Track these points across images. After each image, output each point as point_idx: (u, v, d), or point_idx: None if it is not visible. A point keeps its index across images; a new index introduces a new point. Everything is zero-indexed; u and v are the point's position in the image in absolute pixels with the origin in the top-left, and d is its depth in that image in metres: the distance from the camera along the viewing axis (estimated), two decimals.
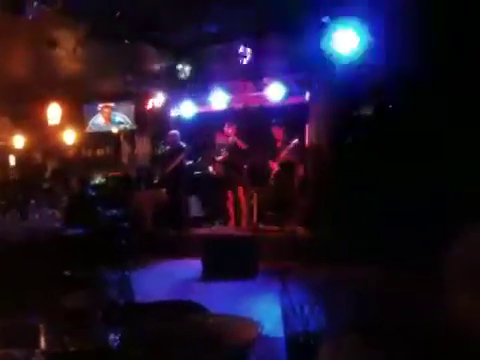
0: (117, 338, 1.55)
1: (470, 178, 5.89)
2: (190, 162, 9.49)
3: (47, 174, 10.66)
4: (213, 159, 9.26)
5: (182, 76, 8.16)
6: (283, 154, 8.49)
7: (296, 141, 8.37)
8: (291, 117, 8.84)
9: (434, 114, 6.65)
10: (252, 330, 1.38)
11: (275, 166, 8.61)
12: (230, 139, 8.88)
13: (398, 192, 6.68)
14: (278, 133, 8.60)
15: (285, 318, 1.11)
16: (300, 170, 8.51)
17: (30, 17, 4.87)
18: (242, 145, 8.75)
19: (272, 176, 8.65)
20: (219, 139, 9.13)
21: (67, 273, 4.74)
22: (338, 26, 6.51)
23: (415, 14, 5.90)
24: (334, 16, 6.49)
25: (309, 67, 7.64)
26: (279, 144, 8.60)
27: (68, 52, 6.26)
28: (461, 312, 1.10)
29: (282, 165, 8.50)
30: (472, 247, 1.16)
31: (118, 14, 5.41)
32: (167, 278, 6.63)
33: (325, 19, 6.56)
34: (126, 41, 6.24)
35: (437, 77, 6.55)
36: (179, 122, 9.84)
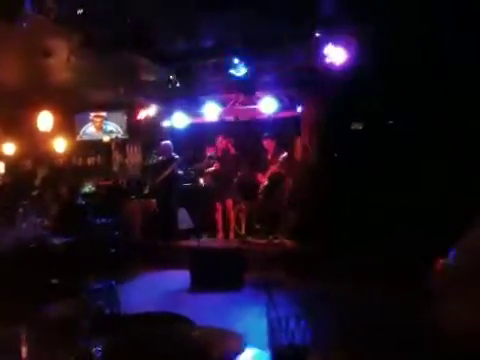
0: (100, 349, 1.56)
1: (460, 192, 5.97)
2: (180, 173, 9.49)
3: (37, 182, 10.59)
4: (203, 171, 9.28)
5: (174, 87, 8.20)
6: (273, 167, 8.52)
7: (285, 155, 8.40)
8: (282, 130, 8.90)
9: (424, 127, 6.76)
10: (236, 343, 1.39)
11: (264, 179, 8.63)
12: (223, 150, 8.90)
13: (387, 206, 6.75)
14: (270, 145, 8.63)
15: (271, 331, 1.13)
16: (289, 183, 8.54)
17: (24, 26, 4.89)
18: (233, 153, 8.79)
19: (261, 189, 8.67)
20: (210, 151, 9.16)
21: (54, 282, 4.72)
22: (329, 41, 6.61)
23: (403, 29, 6.01)
24: (325, 31, 6.59)
25: (300, 81, 7.72)
26: (270, 157, 8.63)
27: (61, 61, 6.27)
28: (446, 326, 1.13)
29: (271, 178, 8.52)
30: (456, 264, 1.19)
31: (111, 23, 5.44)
32: (155, 289, 6.61)
33: (316, 34, 6.66)
34: (120, 52, 6.27)
35: (426, 91, 6.66)
36: (171, 133, 9.86)
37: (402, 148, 6.97)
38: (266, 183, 8.57)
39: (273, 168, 8.50)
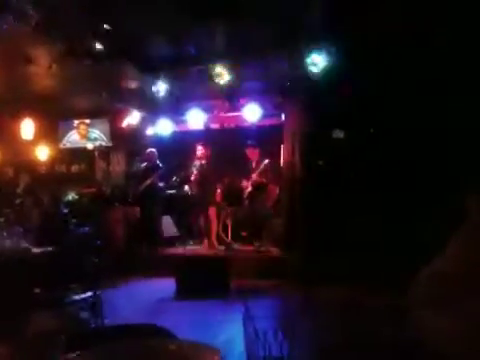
0: None
1: (445, 199, 6.03)
2: (160, 184, 9.42)
3: (19, 190, 10.46)
4: (188, 178, 9.25)
5: (159, 95, 8.18)
6: (255, 175, 8.53)
7: (267, 162, 8.41)
8: (267, 138, 8.93)
9: (404, 136, 6.83)
10: (213, 358, 1.38)
11: (248, 186, 8.64)
12: (202, 160, 8.89)
13: (371, 213, 6.79)
14: (253, 154, 8.65)
15: (248, 343, 1.12)
16: (274, 191, 8.55)
17: (5, 33, 4.85)
18: (209, 161, 8.78)
19: (246, 196, 8.67)
20: (194, 158, 9.15)
21: (36, 292, 4.65)
22: (312, 50, 6.66)
23: (387, 39, 6.08)
24: (308, 40, 6.64)
25: (284, 89, 7.76)
26: (254, 165, 8.65)
27: (44, 69, 6.23)
28: (430, 333, 1.14)
29: (255, 186, 8.53)
30: (439, 274, 1.20)
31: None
32: (139, 298, 6.54)
33: (301, 42, 6.71)
34: (103, 59, 6.24)
35: (406, 101, 6.74)
36: (155, 140, 9.83)
37: (384, 156, 7.03)
38: (249, 190, 8.59)
39: (254, 176, 8.52)
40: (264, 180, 8.46)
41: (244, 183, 8.75)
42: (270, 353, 1.22)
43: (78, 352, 1.57)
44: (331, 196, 7.20)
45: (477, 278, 1.05)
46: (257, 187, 8.50)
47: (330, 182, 7.34)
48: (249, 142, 8.72)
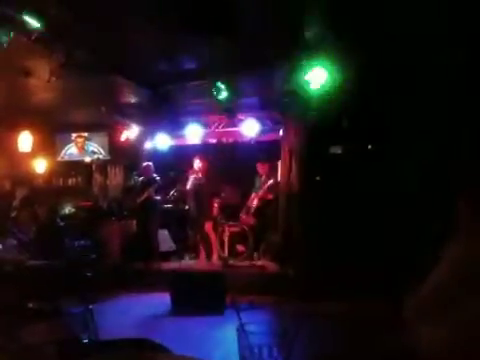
0: None
1: (447, 209, 5.99)
2: (157, 198, 9.40)
3: (15, 202, 10.42)
4: (185, 192, 9.23)
5: (157, 109, 8.21)
6: (263, 191, 8.59)
7: (272, 182, 8.54)
8: (265, 153, 8.95)
9: (404, 152, 6.84)
10: None
11: (255, 201, 8.70)
12: (199, 174, 8.89)
13: (370, 228, 6.77)
14: (263, 168, 8.72)
15: None
16: (276, 207, 8.58)
17: (4, 46, 4.87)
18: (206, 181, 8.81)
19: (252, 211, 8.71)
20: (192, 173, 9.15)
21: (30, 305, 4.58)
22: (311, 65, 6.69)
23: (386, 53, 6.10)
24: (307, 55, 6.68)
25: (282, 104, 7.79)
26: (263, 179, 8.71)
27: (42, 82, 6.24)
28: (430, 344, 1.11)
29: (261, 201, 8.59)
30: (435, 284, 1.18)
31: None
32: (133, 312, 6.47)
33: (299, 58, 6.75)
34: (102, 73, 6.27)
35: (405, 116, 6.76)
36: (153, 154, 9.83)
37: (382, 171, 7.03)
38: (256, 205, 8.65)
39: (261, 193, 8.56)
40: (271, 196, 8.51)
41: (251, 199, 8.78)
42: None
43: None
44: (329, 212, 7.19)
45: (476, 283, 1.04)
46: (263, 204, 8.54)
47: (328, 198, 7.32)
48: (260, 157, 8.78)
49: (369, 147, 7.57)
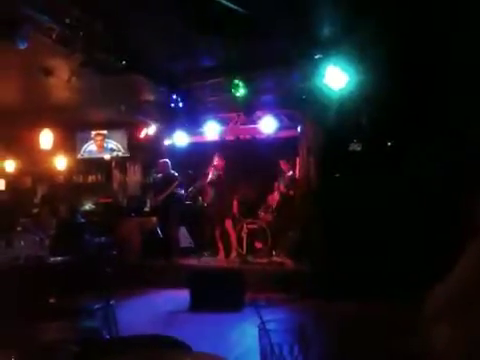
0: None
1: (462, 210, 5.92)
2: (181, 192, 9.46)
3: (36, 199, 10.59)
4: (204, 189, 9.26)
5: (175, 107, 8.24)
6: (282, 187, 8.63)
7: (290, 174, 8.52)
8: (283, 150, 8.94)
9: (420, 149, 6.76)
10: None
11: (276, 197, 8.70)
12: (218, 171, 8.91)
13: (389, 226, 6.70)
14: (285, 166, 8.74)
15: (263, 357, 1.10)
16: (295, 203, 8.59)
17: (25, 45, 4.93)
18: (224, 178, 8.82)
19: (273, 207, 8.75)
20: (211, 170, 9.17)
21: (52, 301, 4.66)
22: (329, 63, 6.65)
23: (403, 51, 6.04)
24: (325, 53, 6.64)
25: (300, 102, 7.75)
26: (285, 177, 8.74)
27: (63, 81, 6.32)
28: (439, 346, 1.11)
29: (282, 197, 8.59)
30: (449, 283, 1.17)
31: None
32: (153, 309, 6.54)
33: (317, 56, 6.71)
34: (121, 72, 6.31)
35: (423, 113, 6.68)
36: (172, 151, 9.87)
37: (402, 169, 6.95)
38: (277, 201, 8.65)
39: (282, 188, 8.60)
40: (291, 192, 8.51)
41: (272, 196, 8.81)
42: None
43: None
44: (348, 209, 7.13)
45: None
46: (284, 200, 8.55)
47: (347, 195, 7.27)
48: (282, 154, 8.83)
49: (389, 144, 7.48)
